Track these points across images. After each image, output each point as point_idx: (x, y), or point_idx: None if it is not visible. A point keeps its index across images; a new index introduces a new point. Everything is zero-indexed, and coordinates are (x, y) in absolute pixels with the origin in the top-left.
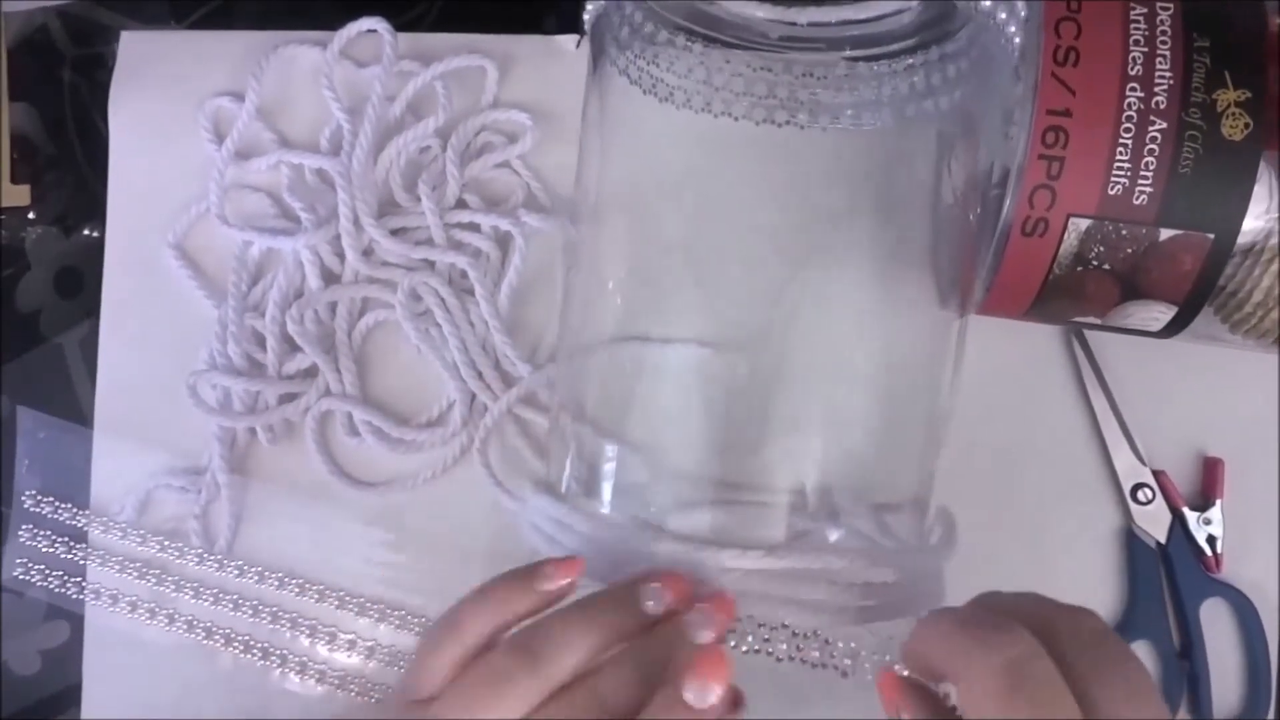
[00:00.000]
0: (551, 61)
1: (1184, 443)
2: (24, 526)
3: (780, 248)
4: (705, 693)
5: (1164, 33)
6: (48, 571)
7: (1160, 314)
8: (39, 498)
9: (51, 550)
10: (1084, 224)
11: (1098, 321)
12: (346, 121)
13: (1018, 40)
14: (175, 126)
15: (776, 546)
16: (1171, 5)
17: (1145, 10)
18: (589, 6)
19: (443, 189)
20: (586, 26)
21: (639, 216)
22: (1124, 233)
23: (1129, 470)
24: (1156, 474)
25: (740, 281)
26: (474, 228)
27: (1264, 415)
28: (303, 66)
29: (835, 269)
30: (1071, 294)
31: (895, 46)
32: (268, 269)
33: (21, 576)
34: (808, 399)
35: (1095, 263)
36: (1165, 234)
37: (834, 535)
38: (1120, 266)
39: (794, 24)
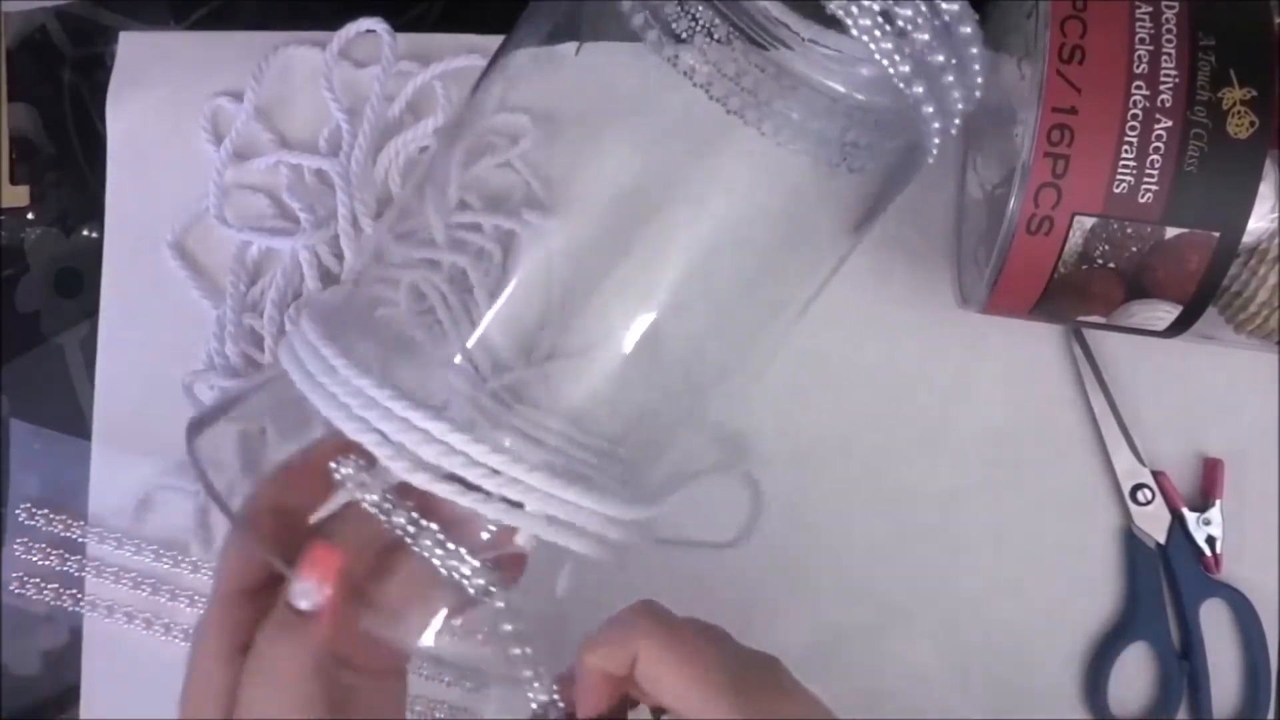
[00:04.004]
0: (551, 63)
1: (1183, 443)
2: (19, 540)
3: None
4: (319, 589)
5: (1169, 31)
6: (44, 584)
7: (1165, 313)
8: (33, 510)
9: (47, 562)
10: (1089, 222)
11: (1102, 321)
12: (345, 122)
13: (937, 128)
14: (175, 127)
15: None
16: (1177, 4)
17: (1151, 9)
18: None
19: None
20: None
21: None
22: (1129, 231)
23: (1128, 471)
24: (1156, 474)
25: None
26: (475, 228)
27: (1264, 415)
28: (302, 67)
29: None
30: (1076, 293)
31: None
32: (266, 269)
33: (18, 590)
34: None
35: (1100, 261)
36: (1171, 232)
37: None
38: (1125, 265)
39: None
